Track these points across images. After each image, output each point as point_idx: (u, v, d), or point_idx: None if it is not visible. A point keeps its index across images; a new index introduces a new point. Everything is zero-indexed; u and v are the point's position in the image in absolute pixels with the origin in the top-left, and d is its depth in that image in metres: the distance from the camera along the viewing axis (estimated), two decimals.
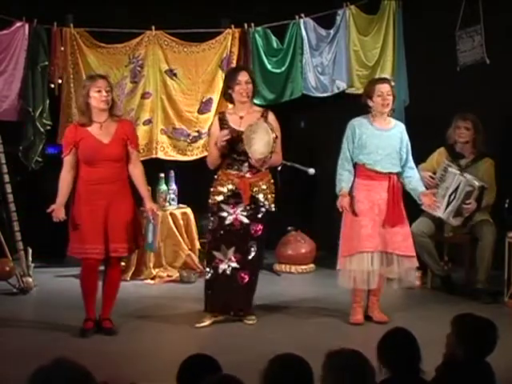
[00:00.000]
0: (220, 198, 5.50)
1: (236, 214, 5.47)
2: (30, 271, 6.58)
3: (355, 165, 5.70)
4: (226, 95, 5.75)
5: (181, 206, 7.46)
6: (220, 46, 7.79)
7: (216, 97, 7.76)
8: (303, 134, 8.34)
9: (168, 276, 7.13)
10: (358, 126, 5.70)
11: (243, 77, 5.55)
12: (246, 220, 5.49)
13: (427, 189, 6.63)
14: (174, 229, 7.27)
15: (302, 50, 7.76)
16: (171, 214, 7.29)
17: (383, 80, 5.85)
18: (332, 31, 7.77)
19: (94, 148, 5.21)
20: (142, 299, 6.41)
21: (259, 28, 7.77)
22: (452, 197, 6.47)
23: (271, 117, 5.64)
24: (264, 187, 5.56)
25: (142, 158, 7.68)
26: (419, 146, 7.25)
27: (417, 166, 6.74)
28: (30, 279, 6.53)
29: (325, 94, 7.79)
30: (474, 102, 6.83)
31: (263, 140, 5.44)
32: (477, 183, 6.38)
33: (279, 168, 7.40)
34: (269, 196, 5.59)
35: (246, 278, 5.51)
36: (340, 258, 5.68)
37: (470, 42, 7.22)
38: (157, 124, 7.69)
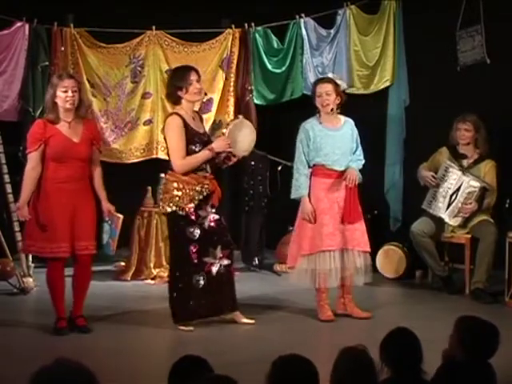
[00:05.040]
0: (193, 204, 5.37)
1: (210, 215, 5.43)
2: (30, 271, 6.59)
3: (312, 166, 5.71)
4: (174, 97, 5.48)
5: None
6: (220, 46, 7.79)
7: (216, 97, 7.77)
8: None
9: (168, 276, 7.12)
10: (311, 128, 5.70)
11: (194, 75, 5.44)
12: (217, 216, 5.47)
13: (428, 188, 6.66)
14: None
15: (303, 49, 7.76)
16: None
17: (323, 80, 5.83)
18: (332, 31, 7.78)
19: (65, 146, 5.17)
20: (143, 299, 6.41)
21: (260, 28, 7.77)
22: (453, 197, 6.48)
23: (204, 118, 5.72)
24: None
25: (142, 158, 7.79)
26: (419, 145, 7.28)
27: (418, 166, 6.77)
28: (31, 279, 6.54)
29: None
30: (474, 102, 6.82)
31: (249, 137, 5.52)
32: (478, 184, 6.38)
33: (279, 168, 7.43)
34: None
35: (233, 272, 5.59)
36: (296, 256, 5.73)
37: (470, 41, 7.21)
38: (157, 124, 7.70)
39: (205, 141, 5.44)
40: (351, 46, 7.70)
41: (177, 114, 5.44)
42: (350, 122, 5.83)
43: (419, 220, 6.63)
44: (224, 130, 5.47)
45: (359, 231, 5.68)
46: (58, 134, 5.18)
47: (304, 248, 5.67)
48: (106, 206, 5.39)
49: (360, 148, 5.81)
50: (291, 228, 7.75)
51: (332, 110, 5.68)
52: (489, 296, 6.26)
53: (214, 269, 5.44)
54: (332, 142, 5.66)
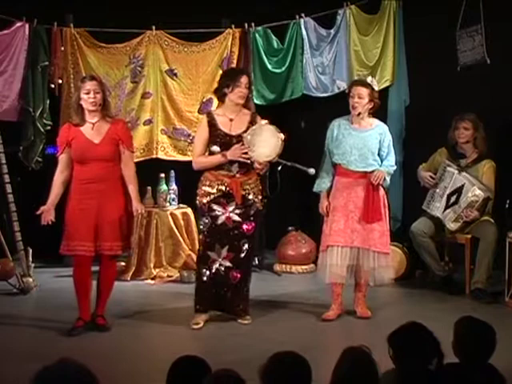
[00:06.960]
0: (208, 199, 5.49)
1: (228, 213, 5.49)
2: (30, 271, 6.58)
3: (334, 164, 5.79)
4: (220, 93, 5.63)
5: (181, 205, 7.46)
6: (220, 46, 7.79)
7: None
8: (303, 133, 8.33)
9: (168, 276, 7.13)
10: (337, 126, 5.79)
11: (245, 79, 5.55)
12: (237, 218, 5.51)
13: (427, 189, 6.67)
14: (175, 229, 7.27)
15: (303, 49, 7.76)
16: (172, 213, 7.30)
17: (360, 82, 5.88)
18: (332, 31, 7.77)
19: (84, 147, 5.29)
20: (142, 299, 6.41)
21: (260, 28, 7.77)
22: (452, 198, 6.47)
23: (259, 121, 5.60)
24: (253, 186, 5.59)
25: (142, 158, 7.76)
26: (419, 145, 7.28)
27: (418, 166, 6.78)
28: (30, 279, 6.53)
29: (325, 94, 7.79)
30: (474, 102, 6.82)
31: (270, 142, 5.46)
32: (482, 194, 6.36)
33: (279, 168, 7.41)
34: (258, 195, 5.60)
35: (238, 277, 5.53)
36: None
37: (470, 41, 7.21)
38: (157, 124, 7.69)
39: (231, 143, 5.46)
40: (351, 45, 7.70)
41: (208, 113, 5.73)
42: (383, 127, 5.84)
43: (419, 220, 6.63)
44: (245, 135, 5.44)
45: (378, 232, 5.68)
46: (79, 136, 5.31)
47: (321, 245, 5.80)
48: (135, 205, 5.38)
49: (392, 154, 5.81)
50: (291, 228, 7.78)
51: (359, 114, 5.70)
52: (489, 296, 6.27)
53: (214, 266, 5.49)
54: (352, 142, 5.70)
